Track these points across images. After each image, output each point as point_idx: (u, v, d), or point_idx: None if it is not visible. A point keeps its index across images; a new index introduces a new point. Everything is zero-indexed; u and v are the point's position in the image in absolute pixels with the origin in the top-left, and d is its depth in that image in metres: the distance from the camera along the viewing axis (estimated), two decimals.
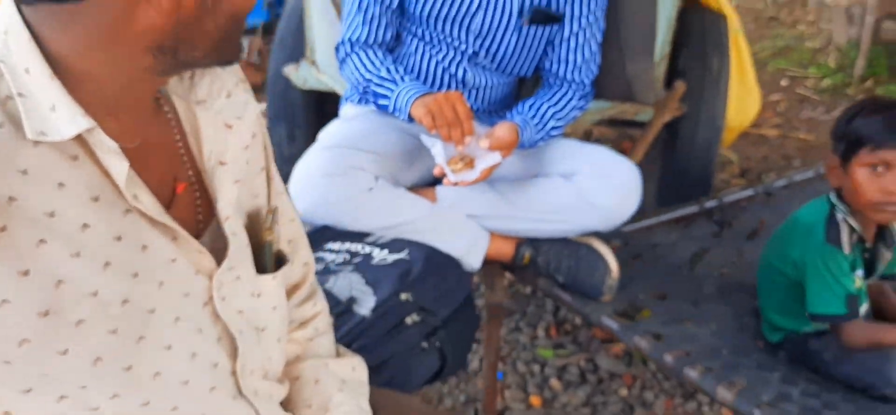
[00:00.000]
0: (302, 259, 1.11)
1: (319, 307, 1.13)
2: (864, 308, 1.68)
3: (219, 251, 0.87)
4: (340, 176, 1.58)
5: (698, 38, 2.69)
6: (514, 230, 1.77)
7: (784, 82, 4.26)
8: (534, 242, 1.77)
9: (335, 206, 1.59)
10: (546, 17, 1.80)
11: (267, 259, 0.95)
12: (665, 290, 1.90)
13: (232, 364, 0.92)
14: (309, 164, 1.63)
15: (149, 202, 0.78)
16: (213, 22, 0.76)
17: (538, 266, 1.76)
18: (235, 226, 0.89)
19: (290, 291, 1.09)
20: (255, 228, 0.96)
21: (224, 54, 0.82)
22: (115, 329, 0.77)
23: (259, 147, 0.99)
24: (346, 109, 1.92)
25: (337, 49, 1.84)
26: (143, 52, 0.74)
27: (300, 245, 1.10)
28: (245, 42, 4.86)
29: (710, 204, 2.21)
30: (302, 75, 2.51)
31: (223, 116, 0.88)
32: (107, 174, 0.75)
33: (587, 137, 3.79)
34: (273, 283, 0.96)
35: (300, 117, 2.71)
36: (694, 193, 2.60)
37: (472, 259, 1.72)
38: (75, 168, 0.74)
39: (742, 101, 2.93)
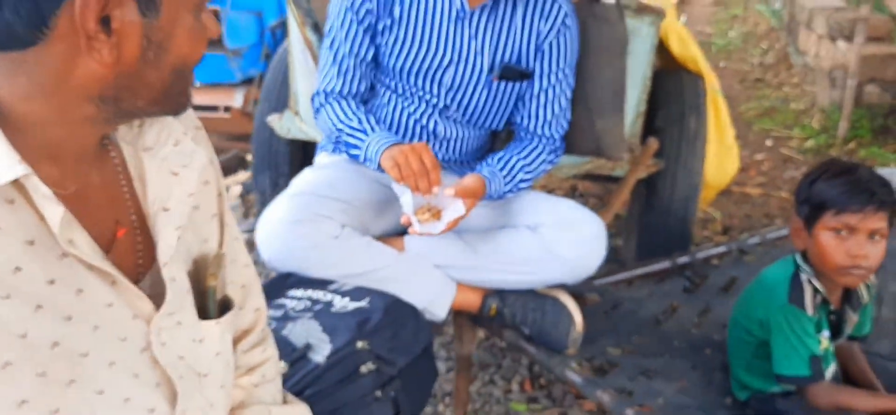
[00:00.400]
0: (254, 305, 1.11)
1: (269, 354, 1.13)
2: (830, 370, 1.67)
3: (159, 296, 0.88)
4: (306, 223, 1.59)
5: (676, 97, 2.73)
6: (481, 281, 1.78)
7: (769, 142, 4.30)
8: (501, 294, 1.78)
9: (300, 253, 1.60)
10: (516, 74, 1.84)
11: (210, 305, 0.96)
12: (634, 344, 1.90)
13: (171, 410, 0.91)
14: (276, 210, 1.64)
15: (85, 247, 0.79)
16: (156, 74, 0.78)
17: (504, 318, 1.76)
18: (176, 271, 0.90)
19: (240, 337, 1.10)
20: (202, 273, 0.97)
21: (169, 105, 0.84)
22: (43, 372, 0.77)
23: (211, 194, 1.00)
24: (321, 158, 1.94)
25: (312, 99, 1.87)
26: (85, 101, 0.76)
27: (253, 290, 1.11)
28: (241, 92, 4.92)
29: (682, 260, 2.22)
30: (285, 125, 2.54)
31: (169, 164, 0.90)
32: (43, 219, 0.76)
33: (573, 191, 3.81)
34: (216, 329, 0.96)
35: (284, 166, 2.73)
36: (672, 248, 2.60)
37: (438, 309, 1.72)
38: (11, 212, 0.74)
39: (721, 161, 2.95)
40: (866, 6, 4.28)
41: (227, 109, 4.66)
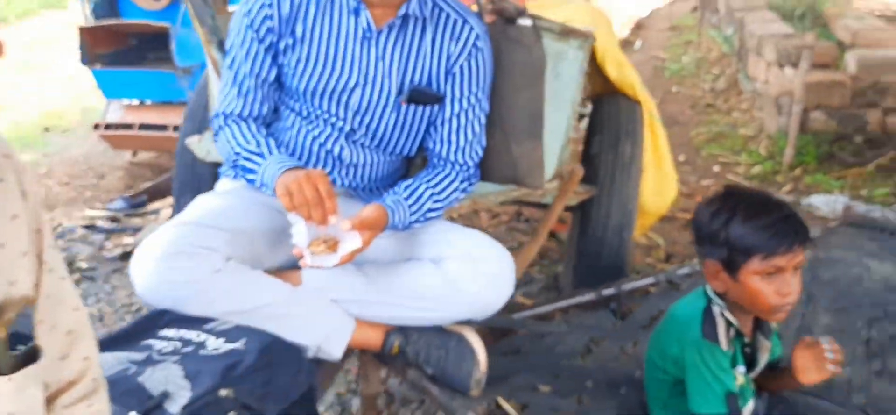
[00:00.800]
0: (81, 353, 0.98)
1: (96, 409, 0.99)
2: (748, 407, 1.58)
3: None
4: (183, 256, 1.45)
5: (612, 123, 2.65)
6: (383, 317, 1.65)
7: (716, 168, 4.25)
8: (404, 331, 1.65)
9: (176, 288, 1.45)
10: (426, 97, 1.73)
11: (1, 358, 0.83)
12: (551, 382, 1.79)
13: None
14: (153, 241, 1.49)
15: None
16: None
17: (407, 356, 1.64)
18: None
19: (63, 389, 0.96)
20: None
21: None
22: None
23: (20, 230, 0.87)
24: (222, 183, 1.81)
25: (212, 121, 1.75)
26: None
27: (81, 337, 0.98)
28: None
29: (607, 292, 2.12)
30: (205, 147, 2.41)
31: None
32: None
33: (518, 216, 3.71)
34: (9, 386, 0.83)
35: (206, 189, 2.58)
36: (607, 277, 2.52)
37: (334, 347, 1.59)
38: None
39: (659, 188, 2.87)
40: (812, 33, 4.26)
41: (176, 128, 4.51)
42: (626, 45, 7.09)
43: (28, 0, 9.94)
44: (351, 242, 1.49)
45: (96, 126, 5.04)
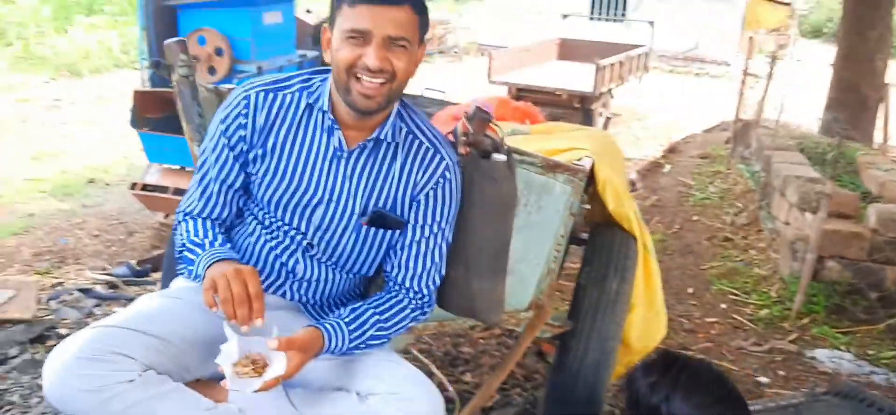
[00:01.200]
0: None
1: None
2: None
3: None
4: (96, 362, 1.37)
5: (603, 257, 2.54)
6: None
7: (724, 305, 4.06)
8: None
9: (83, 396, 1.36)
10: (388, 222, 1.67)
11: None
12: None
13: None
14: (70, 342, 1.41)
15: None
16: None
17: None
18: None
19: None
20: None
21: None
22: None
23: None
24: (176, 282, 1.76)
25: (177, 216, 1.72)
26: None
27: None
28: None
29: None
30: None
31: None
32: None
33: (509, 332, 3.57)
34: None
35: None
36: (580, 412, 2.36)
37: None
38: None
39: (648, 325, 2.72)
40: (831, 182, 4.10)
41: None
42: (655, 167, 7.00)
43: (103, 57, 10.42)
44: (276, 366, 1.41)
45: (133, 185, 5.15)
